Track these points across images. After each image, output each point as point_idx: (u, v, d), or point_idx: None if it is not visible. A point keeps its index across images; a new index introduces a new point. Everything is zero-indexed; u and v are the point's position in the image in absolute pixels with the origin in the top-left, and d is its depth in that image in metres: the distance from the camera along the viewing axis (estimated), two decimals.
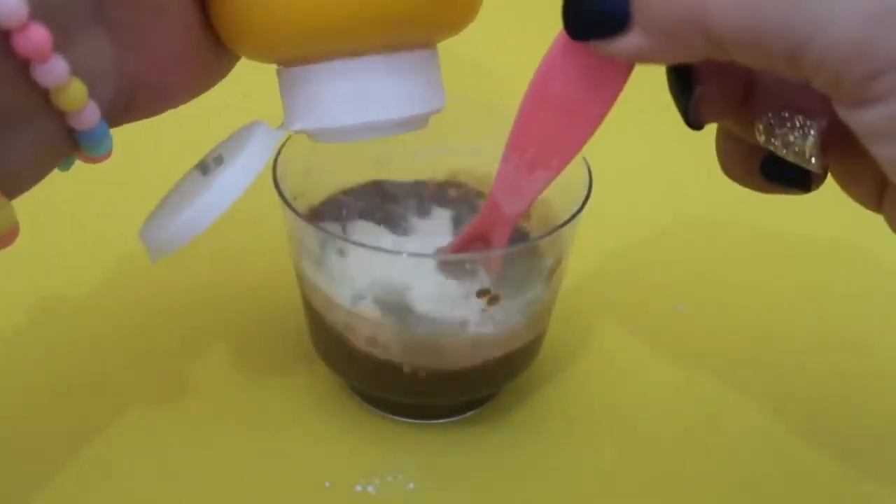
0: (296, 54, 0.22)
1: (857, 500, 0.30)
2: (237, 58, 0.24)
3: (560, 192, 0.28)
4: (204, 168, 0.23)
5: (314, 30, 0.21)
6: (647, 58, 0.19)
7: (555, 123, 0.23)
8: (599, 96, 0.22)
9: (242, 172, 0.22)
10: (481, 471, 0.30)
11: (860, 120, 0.17)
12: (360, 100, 0.23)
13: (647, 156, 0.48)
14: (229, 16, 0.21)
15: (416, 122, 0.24)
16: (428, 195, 0.33)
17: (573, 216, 0.27)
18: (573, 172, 0.28)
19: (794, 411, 0.32)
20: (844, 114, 0.17)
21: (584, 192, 0.27)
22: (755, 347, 0.35)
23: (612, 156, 0.32)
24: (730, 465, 0.30)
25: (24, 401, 0.31)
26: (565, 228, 0.26)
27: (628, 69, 0.21)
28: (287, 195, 0.27)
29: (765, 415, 0.32)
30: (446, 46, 0.24)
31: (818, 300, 0.38)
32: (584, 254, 0.32)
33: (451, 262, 0.27)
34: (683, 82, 0.22)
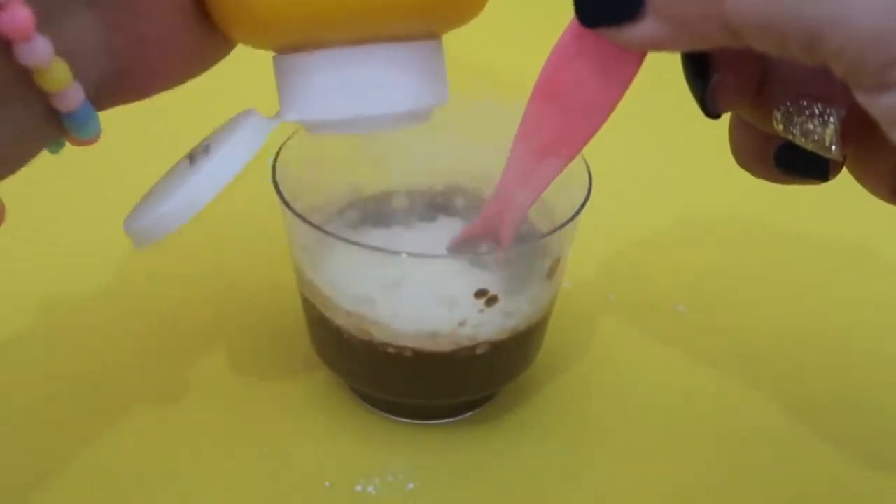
0: (292, 41, 0.21)
1: (859, 499, 0.30)
2: (233, 43, 0.23)
3: (560, 192, 0.28)
4: (192, 158, 0.23)
5: (312, 16, 0.20)
6: (661, 46, 0.19)
7: (565, 112, 0.23)
8: (611, 85, 0.22)
9: (229, 161, 0.21)
10: (481, 471, 0.30)
11: (880, 105, 0.17)
12: (358, 91, 0.22)
13: (648, 156, 0.48)
14: (223, 2, 0.20)
15: (418, 117, 0.23)
16: (434, 205, 0.33)
17: (573, 216, 0.27)
18: (573, 172, 0.28)
19: (794, 411, 0.32)
20: (863, 99, 0.17)
21: (585, 192, 0.27)
22: (755, 347, 0.35)
23: (613, 156, 0.32)
24: (730, 465, 0.30)
25: (22, 402, 0.31)
26: (565, 228, 0.26)
27: (641, 57, 0.21)
28: (287, 195, 0.27)
29: (765, 414, 0.32)
30: (446, 46, 0.24)
31: (819, 299, 0.38)
32: (584, 254, 0.32)
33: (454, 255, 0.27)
34: (699, 70, 0.22)
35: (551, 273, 0.28)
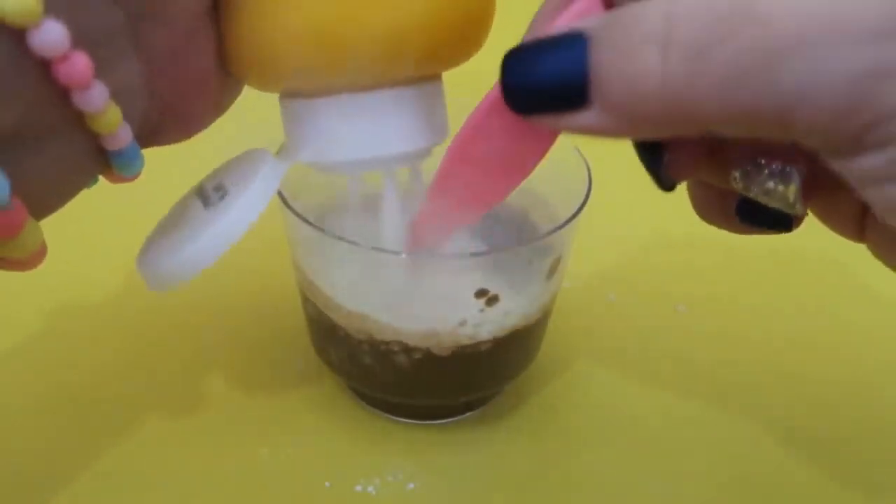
0: (300, 87, 0.22)
1: (861, 499, 0.30)
2: (242, 85, 0.24)
3: (560, 192, 0.28)
4: (204, 198, 0.23)
5: (319, 65, 0.21)
6: (606, 136, 0.18)
7: (481, 176, 0.22)
8: (531, 152, 0.21)
9: (248, 209, 0.22)
10: (481, 471, 0.30)
11: (856, 167, 0.16)
12: (365, 134, 0.23)
13: None
14: (235, 47, 0.21)
15: (420, 155, 0.24)
16: None
17: (573, 216, 0.27)
18: (573, 172, 0.28)
19: (794, 411, 0.32)
20: (838, 165, 0.17)
21: (584, 192, 0.27)
22: (755, 348, 0.35)
23: (612, 156, 0.32)
24: (730, 466, 0.30)
25: (32, 412, 0.31)
26: (565, 228, 0.26)
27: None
28: (287, 195, 0.27)
29: (765, 414, 0.32)
30: None
31: (819, 301, 0.38)
32: (584, 254, 0.32)
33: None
34: (650, 150, 0.22)
35: (551, 273, 0.28)
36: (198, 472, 0.29)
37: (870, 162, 0.16)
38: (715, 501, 0.29)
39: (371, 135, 0.23)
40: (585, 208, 0.27)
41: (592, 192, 0.27)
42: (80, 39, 0.17)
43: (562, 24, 0.18)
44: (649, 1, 0.16)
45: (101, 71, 0.18)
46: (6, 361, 0.32)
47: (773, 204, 0.21)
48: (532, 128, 0.19)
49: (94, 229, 0.39)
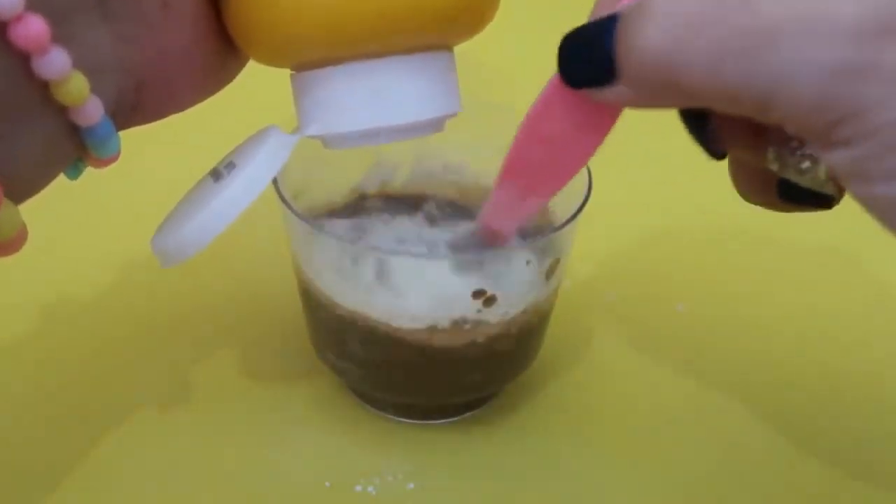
0: (309, 58, 0.22)
1: (862, 498, 0.30)
2: (245, 60, 0.23)
3: (560, 192, 0.28)
4: (216, 175, 0.23)
5: (328, 34, 0.21)
6: (637, 106, 0.20)
7: (548, 156, 0.23)
8: (591, 133, 0.22)
9: (254, 179, 0.22)
10: (481, 471, 0.30)
11: (830, 160, 0.18)
12: (374, 104, 0.22)
13: (648, 156, 0.48)
14: (243, 20, 0.21)
15: (432, 126, 0.24)
16: (434, 205, 0.33)
17: (573, 216, 0.27)
18: None
19: (793, 411, 0.32)
20: (817, 153, 0.18)
21: (584, 193, 0.27)
22: (755, 347, 0.35)
23: (613, 156, 0.32)
24: (730, 465, 0.30)
25: (28, 404, 0.31)
26: (565, 228, 0.26)
27: (619, 109, 0.22)
28: (287, 195, 0.27)
29: (764, 414, 0.32)
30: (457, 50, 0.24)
31: (821, 298, 0.38)
32: (584, 254, 0.32)
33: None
34: (695, 121, 0.22)
35: (551, 273, 0.28)
36: (198, 472, 0.29)
37: (838, 157, 0.17)
38: (717, 500, 0.29)
39: (380, 104, 0.22)
40: (585, 208, 0.27)
41: (592, 191, 0.27)
42: (37, 4, 0.17)
43: (620, 5, 0.20)
44: None
45: (64, 39, 0.18)
46: (6, 356, 0.32)
47: (805, 183, 0.21)
48: (592, 105, 0.21)
49: (95, 225, 0.39)
